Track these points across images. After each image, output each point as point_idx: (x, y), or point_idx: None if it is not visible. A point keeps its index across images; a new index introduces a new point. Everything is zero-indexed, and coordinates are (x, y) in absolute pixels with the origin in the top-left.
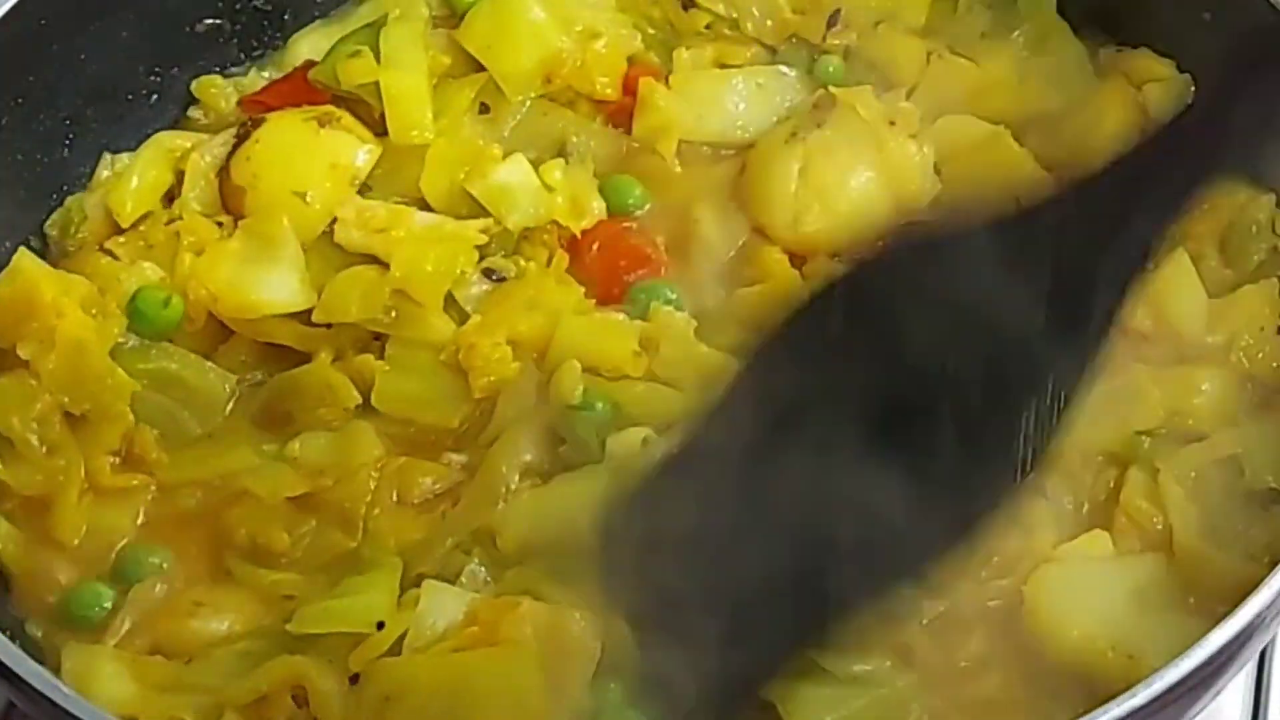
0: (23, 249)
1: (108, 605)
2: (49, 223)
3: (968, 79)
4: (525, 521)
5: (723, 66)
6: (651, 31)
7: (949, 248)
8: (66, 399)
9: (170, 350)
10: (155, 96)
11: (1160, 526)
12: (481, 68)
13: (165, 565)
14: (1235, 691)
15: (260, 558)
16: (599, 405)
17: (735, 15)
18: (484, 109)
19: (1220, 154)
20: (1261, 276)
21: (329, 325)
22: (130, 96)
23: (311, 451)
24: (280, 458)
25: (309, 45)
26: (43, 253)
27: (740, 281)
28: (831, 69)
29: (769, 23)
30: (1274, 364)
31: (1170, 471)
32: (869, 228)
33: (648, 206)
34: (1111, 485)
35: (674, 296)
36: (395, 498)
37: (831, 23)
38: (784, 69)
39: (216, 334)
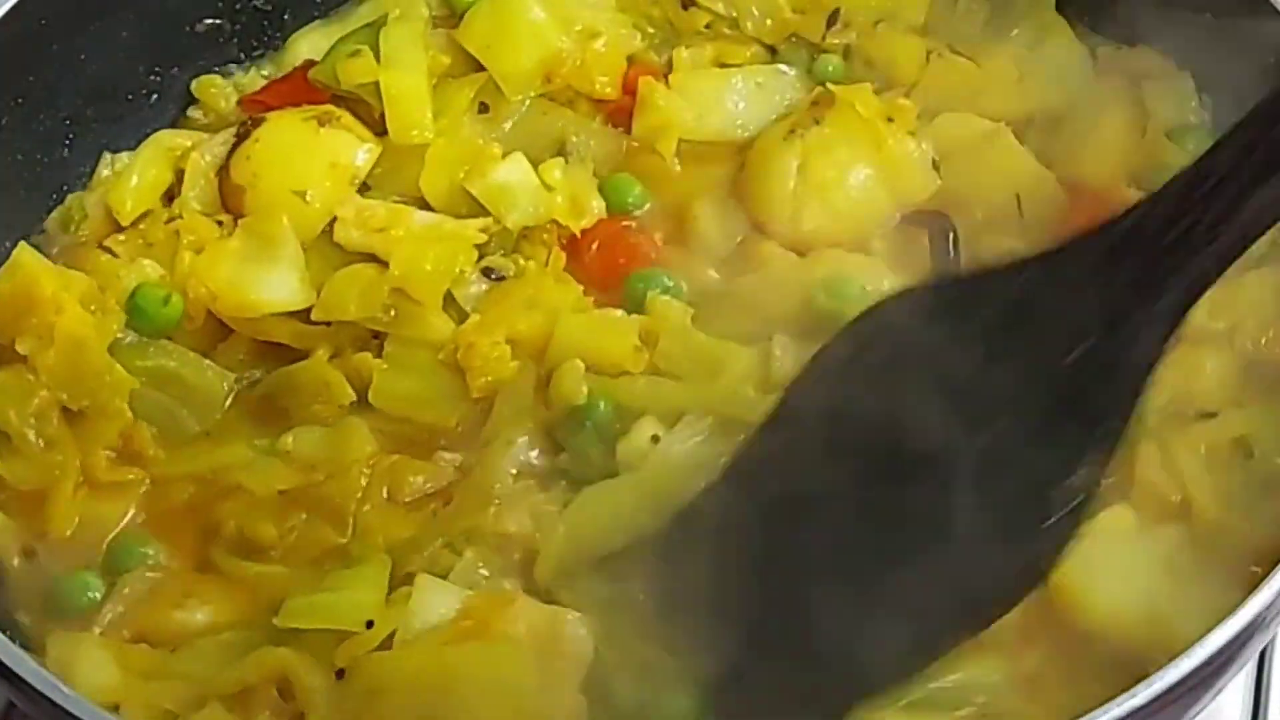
0: (23, 243)
1: (97, 595)
2: (49, 220)
3: (967, 77)
4: (560, 545)
5: (722, 66)
6: (651, 31)
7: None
8: (64, 395)
9: (169, 348)
10: (155, 96)
11: (1178, 499)
12: (481, 67)
13: (156, 557)
14: (1235, 691)
15: (247, 550)
16: (601, 407)
17: (735, 14)
18: (484, 108)
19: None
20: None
21: (328, 324)
22: (130, 96)
23: (304, 446)
24: (273, 452)
25: (309, 45)
26: (43, 250)
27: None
28: (831, 68)
29: (768, 22)
30: (1279, 349)
31: (1183, 446)
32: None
33: (647, 205)
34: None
35: (671, 284)
36: (386, 495)
37: (831, 22)
38: (783, 68)
39: (215, 332)
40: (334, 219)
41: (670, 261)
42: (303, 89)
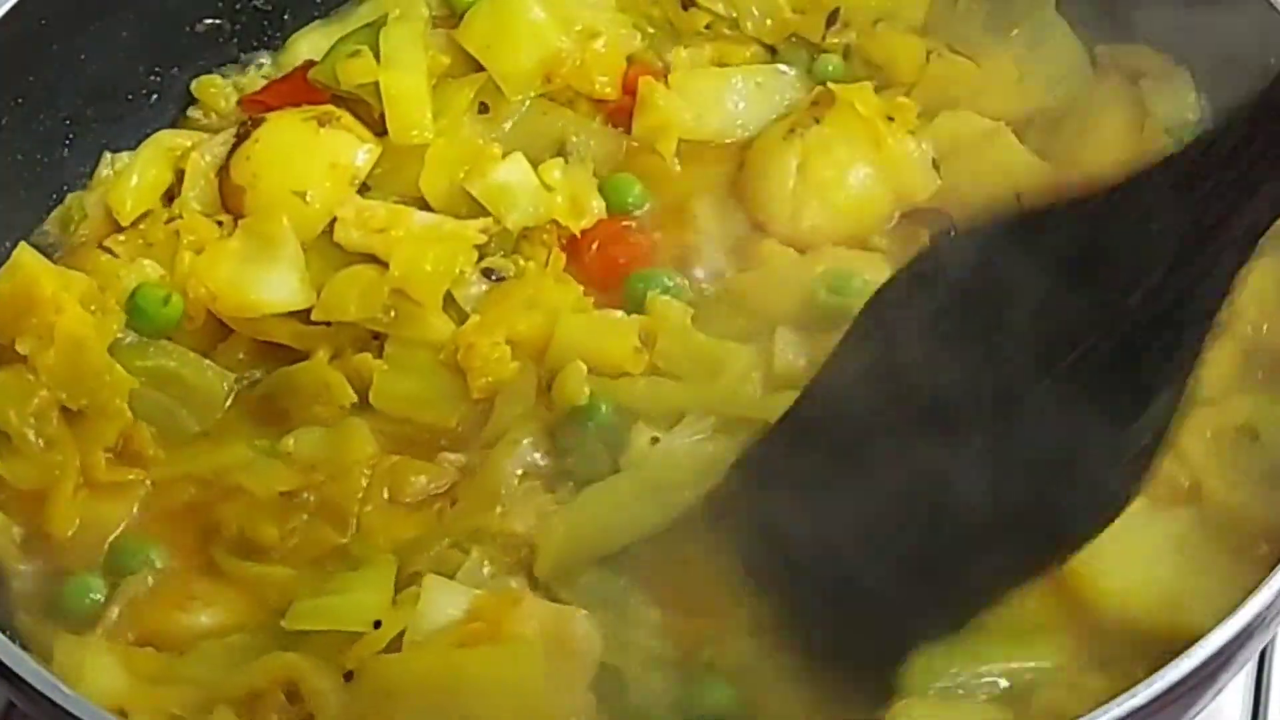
0: (23, 243)
1: (99, 597)
2: (49, 220)
3: (967, 77)
4: (560, 542)
5: (722, 65)
6: (651, 31)
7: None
8: (64, 394)
9: (169, 348)
10: (155, 96)
11: (1188, 483)
12: (481, 67)
13: (157, 559)
14: (1235, 691)
15: (249, 551)
16: (603, 408)
17: (734, 14)
18: (483, 109)
19: None
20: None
21: (328, 324)
22: (130, 96)
23: (305, 447)
24: (273, 453)
25: (309, 45)
26: (43, 250)
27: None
28: (831, 68)
29: (768, 22)
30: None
31: (1189, 431)
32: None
33: (647, 205)
34: None
35: (671, 284)
36: (387, 496)
37: (831, 21)
38: (783, 68)
39: (215, 332)
40: (334, 219)
41: (670, 261)
42: (303, 89)
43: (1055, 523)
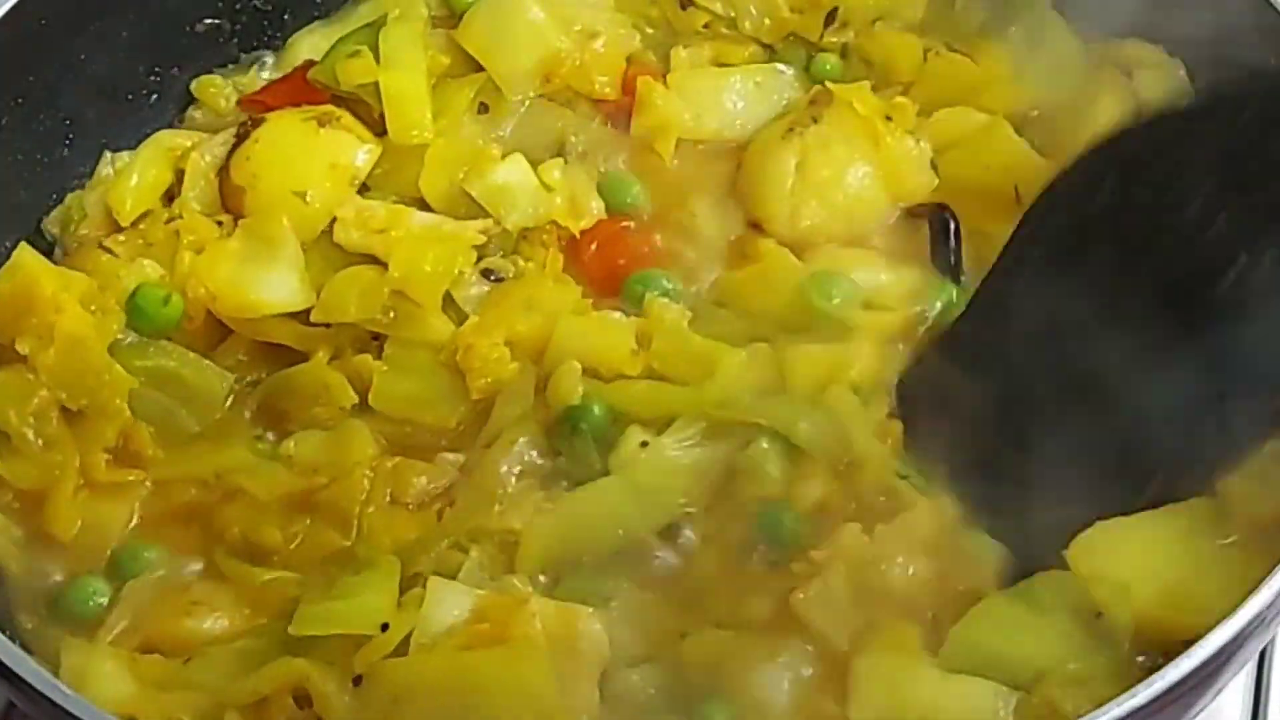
0: (23, 243)
1: (103, 600)
2: (49, 220)
3: (965, 75)
4: (545, 539)
5: (721, 65)
6: (650, 31)
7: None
8: (64, 394)
9: (169, 348)
10: (155, 96)
11: None
12: (481, 67)
13: (160, 562)
14: (1235, 691)
15: (252, 555)
16: (596, 410)
17: (733, 14)
18: (483, 109)
19: None
20: None
21: (328, 325)
22: (130, 96)
23: (306, 450)
24: (275, 456)
25: (309, 45)
26: (43, 250)
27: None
28: (829, 67)
29: (767, 21)
30: None
31: None
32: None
33: (646, 205)
34: None
35: (669, 286)
36: (389, 497)
37: (829, 21)
38: (781, 67)
39: (215, 332)
40: (334, 219)
41: (669, 261)
42: (302, 89)
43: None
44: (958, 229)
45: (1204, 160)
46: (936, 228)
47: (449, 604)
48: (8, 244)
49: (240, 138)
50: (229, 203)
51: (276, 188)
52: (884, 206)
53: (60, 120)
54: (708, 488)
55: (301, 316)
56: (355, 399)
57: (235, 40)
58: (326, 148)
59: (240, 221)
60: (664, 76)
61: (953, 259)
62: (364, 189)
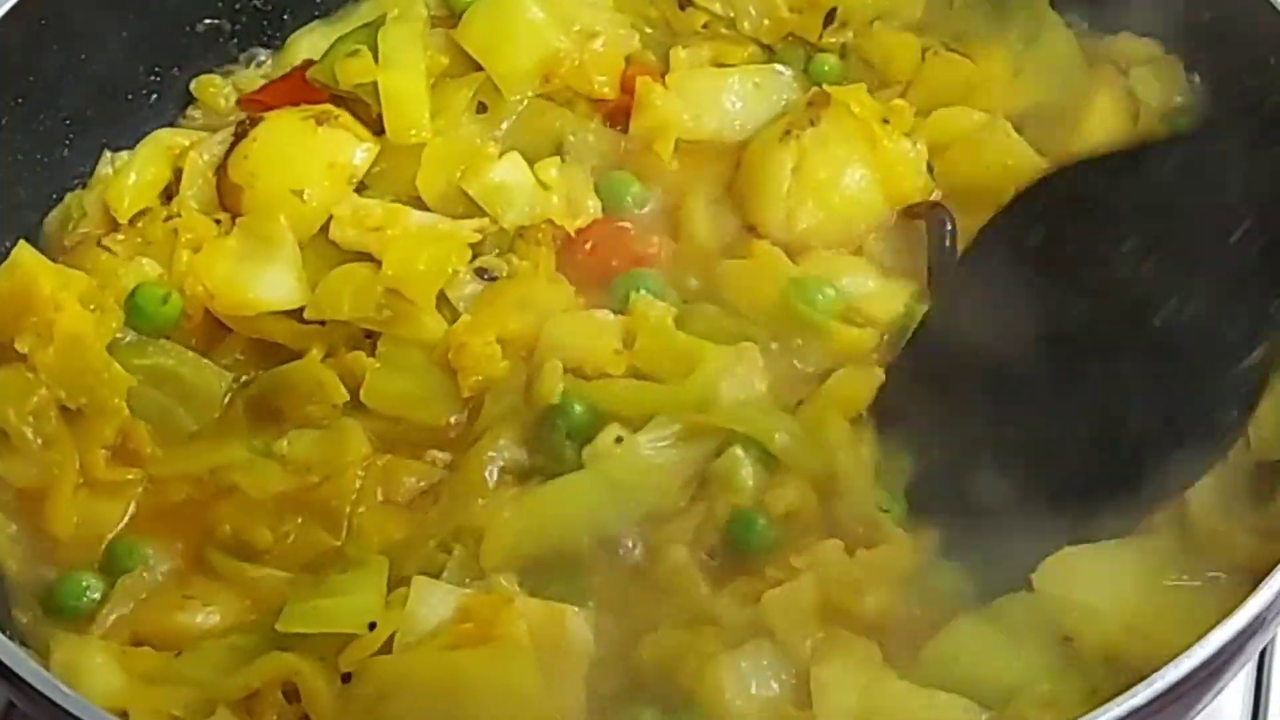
0: (22, 242)
1: (96, 596)
2: (48, 219)
3: (964, 74)
4: (509, 531)
5: (719, 65)
6: (649, 31)
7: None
8: (63, 393)
9: (167, 347)
10: (155, 96)
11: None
12: (479, 67)
13: (154, 558)
14: (1235, 691)
15: (243, 553)
16: (577, 408)
17: (732, 14)
18: (482, 108)
19: None
20: None
21: (322, 322)
22: (130, 96)
23: (299, 449)
24: (268, 454)
25: (308, 45)
26: (43, 249)
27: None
28: (828, 67)
29: (766, 22)
30: None
31: None
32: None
33: (645, 205)
34: None
35: (655, 285)
36: (381, 496)
37: (828, 21)
38: (780, 68)
39: (213, 331)
40: (331, 218)
41: (664, 262)
42: (301, 88)
43: (1175, 446)
44: (954, 229)
45: (1130, 207)
46: (934, 227)
47: (434, 603)
48: (7, 243)
49: (239, 136)
50: (227, 201)
51: (274, 186)
52: (880, 209)
53: (60, 120)
54: (680, 488)
55: (299, 315)
56: (347, 396)
57: (235, 40)
58: (325, 147)
59: (238, 220)
60: (663, 77)
61: (950, 259)
62: (362, 188)
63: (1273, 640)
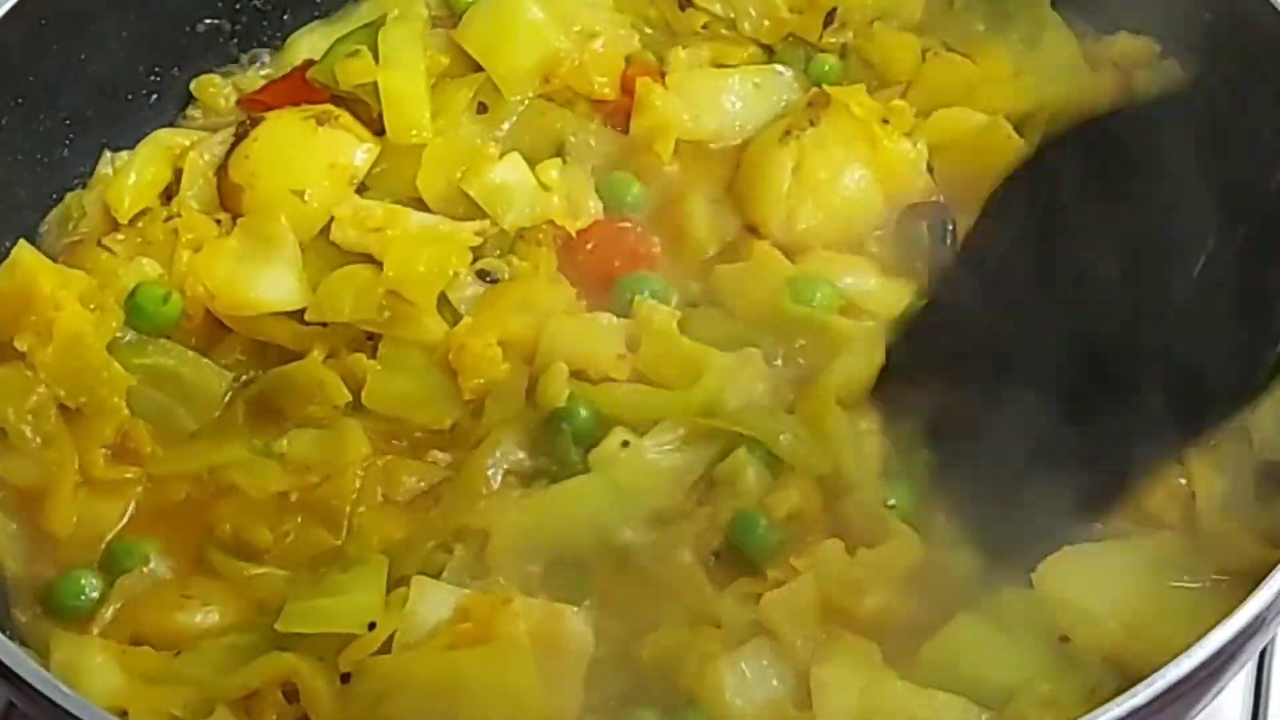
0: (22, 241)
1: (95, 595)
2: (48, 219)
3: (964, 75)
4: (516, 534)
5: (719, 66)
6: (649, 31)
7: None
8: (62, 392)
9: (167, 346)
10: (155, 96)
11: (1187, 494)
12: (480, 67)
13: (154, 557)
14: (1235, 691)
15: (243, 552)
16: (582, 412)
17: (732, 15)
18: (482, 109)
19: None
20: None
21: (323, 324)
22: (130, 96)
23: (299, 448)
24: (268, 454)
25: (308, 45)
26: (43, 248)
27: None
28: (828, 68)
29: (765, 22)
30: None
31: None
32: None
33: (645, 205)
34: None
35: (659, 288)
36: (381, 496)
37: (828, 21)
38: (780, 69)
39: (213, 331)
40: (332, 218)
41: (664, 263)
42: (302, 89)
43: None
44: (955, 229)
45: (1157, 154)
46: (935, 228)
47: (434, 603)
48: (7, 243)
49: (239, 137)
50: (227, 201)
51: (275, 187)
52: (880, 209)
53: (60, 120)
54: (685, 492)
55: (299, 315)
56: (349, 397)
57: (235, 40)
58: (325, 147)
59: (239, 220)
60: (663, 77)
61: (951, 259)
62: (362, 188)
63: (1273, 640)
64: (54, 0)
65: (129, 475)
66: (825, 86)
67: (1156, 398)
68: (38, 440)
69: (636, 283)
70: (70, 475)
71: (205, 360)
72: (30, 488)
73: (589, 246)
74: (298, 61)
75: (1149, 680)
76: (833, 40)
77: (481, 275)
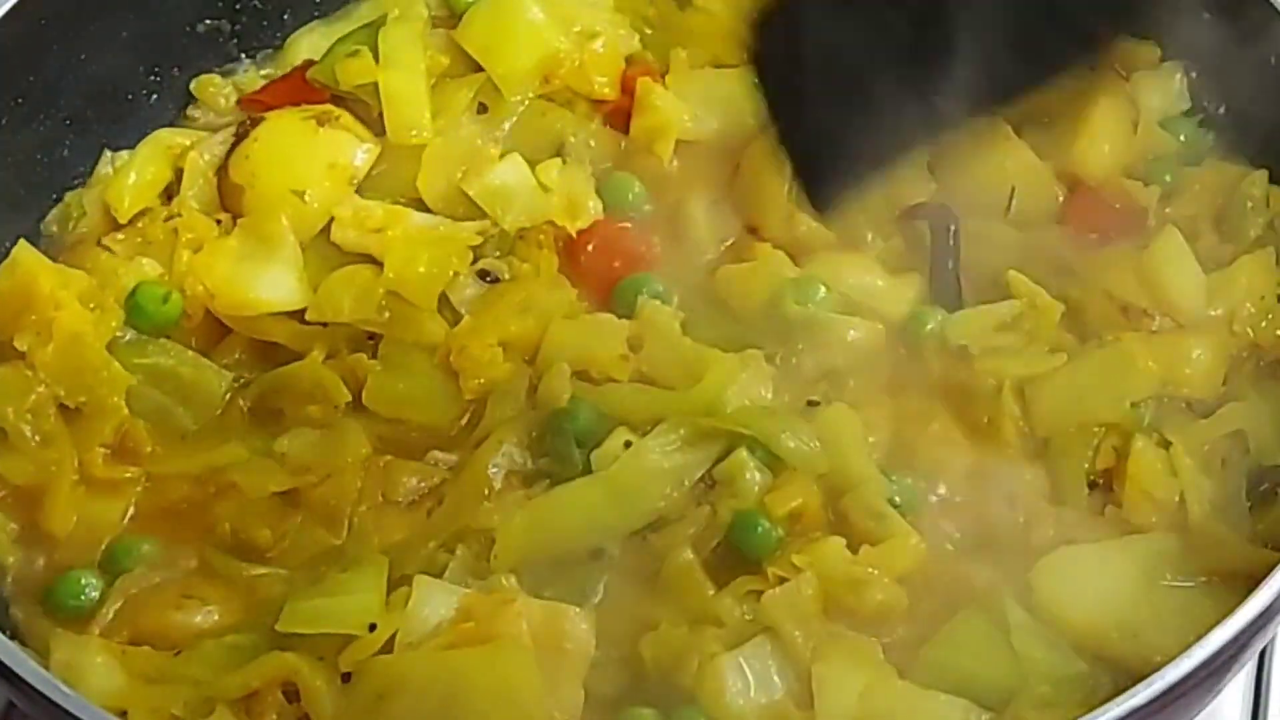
0: (22, 241)
1: (95, 595)
2: (48, 219)
3: None
4: (521, 536)
5: (719, 66)
6: (649, 31)
7: None
8: (62, 391)
9: (167, 346)
10: (155, 96)
11: (1175, 499)
12: (480, 68)
13: (154, 557)
14: (1235, 691)
15: (243, 552)
16: (584, 412)
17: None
18: (482, 109)
19: None
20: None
21: (324, 324)
22: (130, 96)
23: (299, 448)
24: (268, 453)
25: (308, 45)
26: (42, 248)
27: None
28: None
29: None
30: (1278, 332)
31: (1182, 444)
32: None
33: (645, 206)
34: (1116, 457)
35: (661, 289)
36: (381, 496)
37: None
38: None
39: (214, 331)
40: (332, 219)
41: (665, 264)
42: (302, 89)
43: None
44: (958, 230)
45: None
46: (937, 228)
47: (435, 603)
48: (7, 243)
49: (239, 137)
50: (228, 201)
51: (275, 187)
52: (880, 211)
53: (60, 120)
54: (687, 492)
55: (299, 315)
56: (349, 398)
57: (235, 40)
58: (325, 147)
59: (239, 220)
60: (663, 77)
61: (952, 260)
62: (362, 189)
63: (1273, 640)
64: (54, 0)
65: (128, 475)
66: None
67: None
68: (37, 439)
69: (639, 284)
70: (69, 475)
71: (205, 360)
72: (30, 487)
73: (589, 247)
74: (298, 61)
75: (1149, 680)
76: None
77: (482, 276)
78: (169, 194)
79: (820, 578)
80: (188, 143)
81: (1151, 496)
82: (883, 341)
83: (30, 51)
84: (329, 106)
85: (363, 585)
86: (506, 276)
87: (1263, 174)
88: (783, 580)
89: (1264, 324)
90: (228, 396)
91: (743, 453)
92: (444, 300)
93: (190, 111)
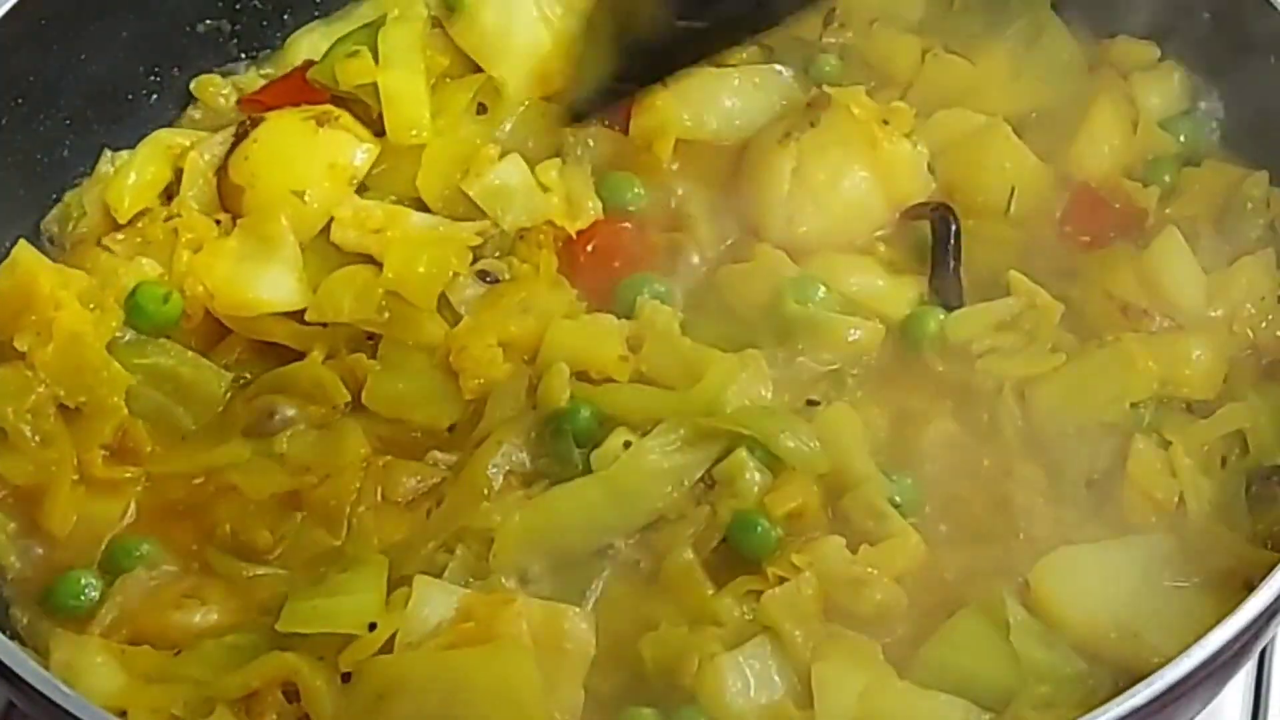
0: (22, 241)
1: (95, 595)
2: (48, 219)
3: (963, 75)
4: (520, 536)
5: (719, 66)
6: None
7: None
8: (62, 391)
9: (167, 346)
10: (155, 96)
11: (1175, 499)
12: (480, 68)
13: (154, 557)
14: (1235, 691)
15: (243, 553)
16: (583, 412)
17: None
18: (482, 109)
19: None
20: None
21: (323, 324)
22: (130, 96)
23: (298, 449)
24: (268, 454)
25: (308, 45)
26: (42, 248)
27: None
28: (828, 68)
29: None
30: (1278, 332)
31: (1182, 445)
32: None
33: (645, 206)
34: (1118, 457)
35: (662, 289)
36: (380, 496)
37: (828, 21)
38: (780, 68)
39: (213, 331)
40: (331, 219)
41: (664, 264)
42: (302, 89)
43: None
44: (959, 228)
45: None
46: (938, 228)
47: (435, 603)
48: (7, 243)
49: (239, 137)
50: (227, 202)
51: (275, 187)
52: (881, 211)
53: (60, 120)
54: (687, 492)
55: (298, 315)
56: (348, 397)
57: (235, 40)
58: (325, 147)
59: (239, 220)
60: None
61: (953, 260)
62: (362, 189)
63: (1273, 640)
64: (54, 0)
65: (128, 475)
66: (825, 87)
67: None
68: (37, 440)
69: (639, 284)
70: (68, 474)
71: (205, 360)
72: (30, 487)
73: (589, 247)
74: (298, 61)
75: (1149, 680)
76: (832, 40)
77: (482, 276)
78: (169, 194)
79: (820, 578)
80: (188, 143)
81: (1151, 496)
82: (883, 341)
83: (30, 51)
84: (329, 107)
85: (363, 585)
86: (506, 277)
87: (1263, 175)
88: (782, 580)
89: (1264, 324)
90: (228, 397)
91: (742, 453)
92: (444, 300)
93: (190, 112)
